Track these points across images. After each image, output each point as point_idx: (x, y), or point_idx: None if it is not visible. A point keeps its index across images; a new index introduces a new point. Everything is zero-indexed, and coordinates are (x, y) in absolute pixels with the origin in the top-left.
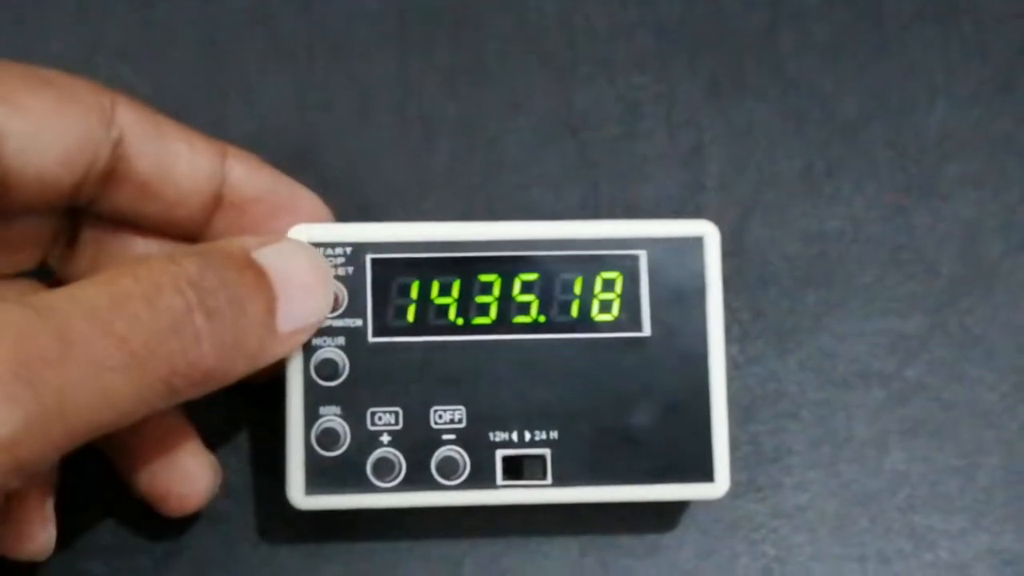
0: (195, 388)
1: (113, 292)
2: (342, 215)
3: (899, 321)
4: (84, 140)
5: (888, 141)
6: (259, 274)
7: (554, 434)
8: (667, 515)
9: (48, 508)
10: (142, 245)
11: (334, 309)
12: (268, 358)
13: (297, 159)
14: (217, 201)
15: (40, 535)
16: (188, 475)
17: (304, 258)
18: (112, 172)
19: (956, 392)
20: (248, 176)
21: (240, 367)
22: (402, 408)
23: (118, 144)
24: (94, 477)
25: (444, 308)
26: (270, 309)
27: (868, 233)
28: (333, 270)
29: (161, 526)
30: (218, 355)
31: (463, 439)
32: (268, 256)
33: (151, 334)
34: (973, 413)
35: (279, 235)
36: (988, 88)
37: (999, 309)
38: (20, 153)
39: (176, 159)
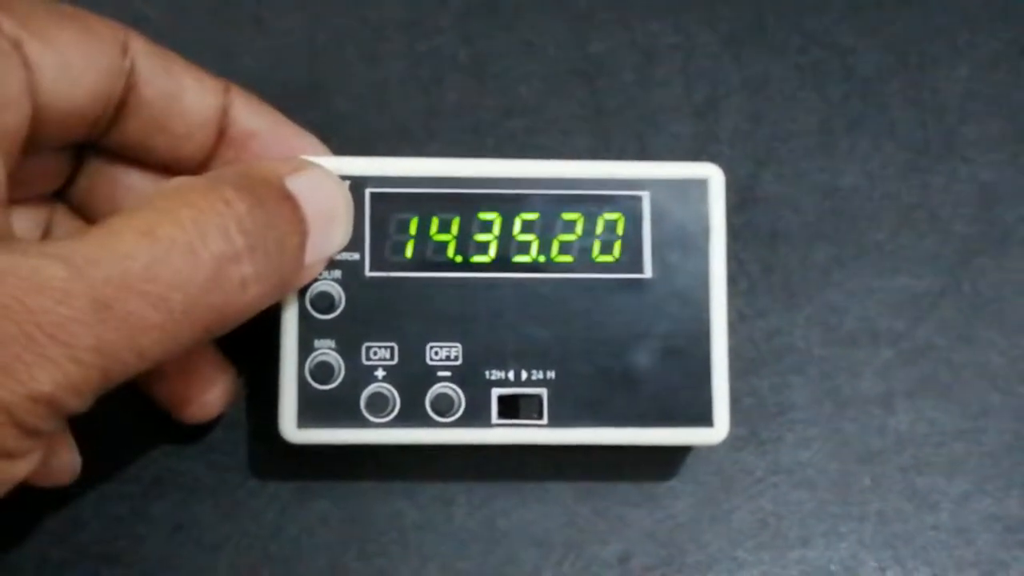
0: (228, 328)
1: (154, 247)
2: (348, 154)
3: (910, 280)
4: (107, 73)
5: (907, 99)
6: (295, 207)
7: (551, 374)
8: (664, 464)
9: (70, 436)
10: (140, 179)
11: None
12: (290, 290)
13: (306, 97)
14: (220, 137)
15: (69, 462)
16: (207, 382)
17: (332, 188)
18: (123, 104)
19: (965, 354)
20: (250, 113)
21: (268, 302)
22: (397, 343)
23: (130, 75)
24: None
25: (443, 245)
26: (303, 243)
27: (883, 190)
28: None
29: (151, 452)
30: (259, 298)
31: (459, 376)
32: (300, 186)
33: (193, 289)
34: (981, 376)
35: (303, 160)
36: (1012, 50)
37: (1012, 273)
38: (53, 87)
39: (184, 92)
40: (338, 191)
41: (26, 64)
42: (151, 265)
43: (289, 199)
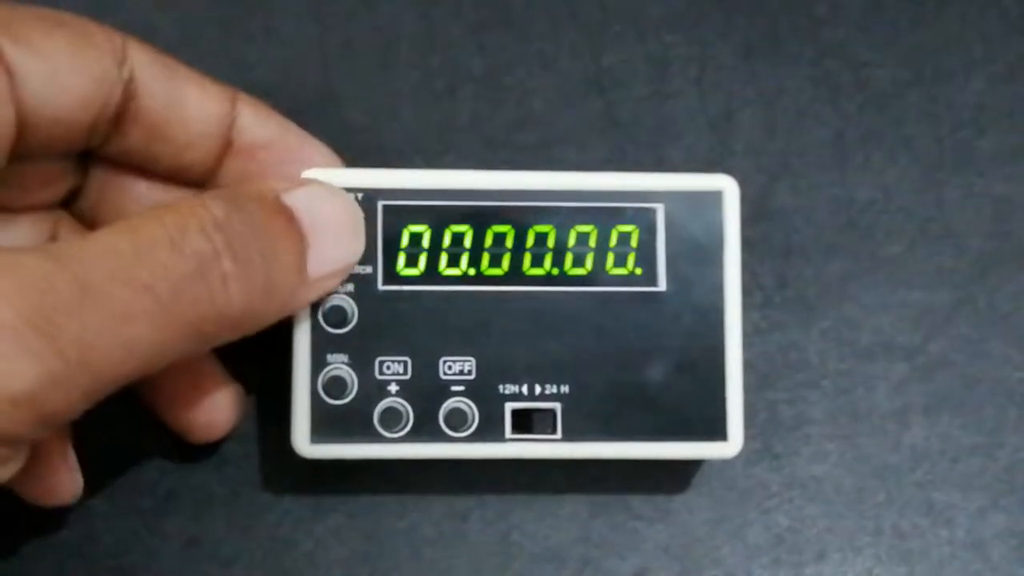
0: (225, 334)
1: (136, 239)
2: (361, 166)
3: (926, 295)
4: (99, 81)
5: (923, 112)
6: (290, 218)
7: (565, 388)
8: (679, 478)
9: (71, 454)
10: (148, 189)
11: None
12: (299, 304)
13: (318, 108)
14: (226, 146)
15: (69, 482)
16: (213, 403)
17: (335, 201)
18: (123, 113)
19: (980, 369)
20: (258, 122)
21: (271, 313)
22: (411, 358)
23: (129, 84)
24: (97, 415)
25: (456, 258)
26: (301, 254)
27: (898, 204)
28: (363, 213)
29: (164, 466)
30: (247, 300)
31: (472, 391)
32: (298, 199)
33: (176, 279)
34: (997, 391)
35: (305, 178)
36: None
37: None
38: (38, 94)
39: (187, 100)
40: (343, 204)
41: (8, 70)
42: (134, 254)
43: (283, 211)
